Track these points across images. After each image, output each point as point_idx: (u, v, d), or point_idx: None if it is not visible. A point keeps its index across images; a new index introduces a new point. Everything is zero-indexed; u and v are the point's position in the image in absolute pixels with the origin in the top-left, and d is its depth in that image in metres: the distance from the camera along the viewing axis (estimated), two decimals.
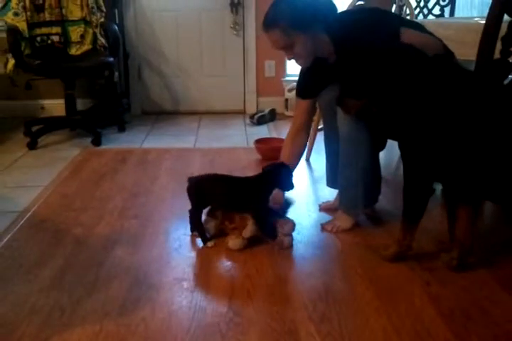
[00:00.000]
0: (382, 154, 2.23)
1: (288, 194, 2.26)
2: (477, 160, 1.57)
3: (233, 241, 1.96)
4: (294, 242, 2.00)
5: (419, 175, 1.72)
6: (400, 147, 1.76)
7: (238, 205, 2.00)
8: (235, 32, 4.18)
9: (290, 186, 2.00)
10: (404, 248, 1.83)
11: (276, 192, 2.08)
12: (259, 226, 1.96)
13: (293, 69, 4.35)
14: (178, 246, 2.00)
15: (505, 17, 1.89)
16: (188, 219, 2.05)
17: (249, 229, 1.96)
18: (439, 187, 1.99)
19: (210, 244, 1.99)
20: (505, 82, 1.97)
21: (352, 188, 2.10)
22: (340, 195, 2.19)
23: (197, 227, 2.02)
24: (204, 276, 1.78)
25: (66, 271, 1.81)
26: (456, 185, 1.74)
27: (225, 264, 1.87)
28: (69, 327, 1.49)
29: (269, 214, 2.02)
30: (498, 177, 1.56)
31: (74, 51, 3.59)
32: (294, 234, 2.03)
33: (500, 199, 1.68)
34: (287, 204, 2.35)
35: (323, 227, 2.13)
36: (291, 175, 2.02)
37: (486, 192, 1.66)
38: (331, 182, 2.36)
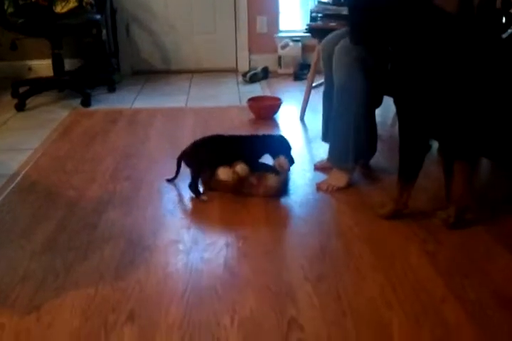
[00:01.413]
0: (378, 111, 2.17)
1: None
2: (472, 116, 1.52)
3: (223, 170, 1.97)
4: (289, 202, 1.98)
5: (414, 131, 1.68)
6: (395, 102, 1.70)
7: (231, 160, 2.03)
8: None
9: (290, 160, 2.04)
10: (401, 206, 1.81)
11: (281, 158, 2.05)
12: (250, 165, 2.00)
13: (286, 25, 4.21)
14: (172, 207, 1.96)
15: None
16: (182, 181, 2.01)
17: (241, 166, 1.97)
18: (435, 145, 1.94)
19: (203, 197, 1.98)
20: (505, 35, 1.90)
21: (343, 141, 2.05)
22: (330, 148, 2.14)
23: (193, 184, 2.01)
24: (199, 238, 1.75)
25: (58, 234, 1.77)
26: (452, 142, 1.70)
27: (221, 225, 1.84)
28: (63, 291, 1.47)
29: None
30: (494, 134, 1.51)
31: (59, 9, 3.42)
32: (290, 192, 2.02)
33: (497, 155, 1.64)
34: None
35: (318, 187, 2.10)
36: (290, 148, 2.05)
37: (481, 148, 1.62)
38: (326, 136, 2.31)
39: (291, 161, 2.05)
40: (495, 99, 1.47)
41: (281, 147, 2.05)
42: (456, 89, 1.51)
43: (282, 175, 2.03)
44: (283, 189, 2.03)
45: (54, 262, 1.60)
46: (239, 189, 1.99)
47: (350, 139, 2.03)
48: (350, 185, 2.09)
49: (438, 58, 1.53)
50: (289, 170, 2.07)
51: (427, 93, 1.57)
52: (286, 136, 2.12)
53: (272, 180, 1.98)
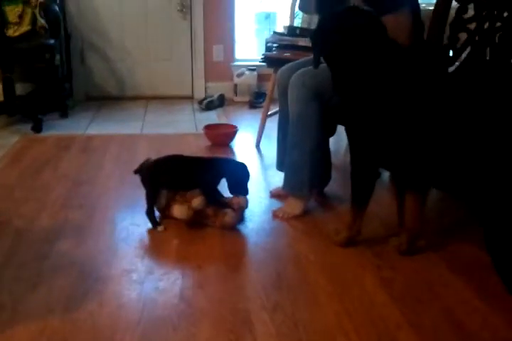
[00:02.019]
0: (332, 140, 2.22)
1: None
2: (421, 148, 1.58)
3: (179, 207, 1.94)
4: (245, 230, 1.98)
5: (364, 160, 1.73)
6: (346, 131, 1.76)
7: (189, 184, 2.00)
8: (181, 15, 4.07)
9: (245, 189, 1.99)
10: (355, 232, 1.84)
11: (240, 198, 2.05)
12: (207, 197, 1.96)
13: (241, 54, 4.29)
14: (125, 236, 1.93)
15: (454, 3, 1.90)
16: (135, 208, 1.98)
17: (199, 200, 1.94)
18: (386, 172, 2.00)
19: (159, 228, 1.95)
20: (452, 68, 1.99)
21: (298, 171, 2.08)
22: (285, 177, 2.16)
23: (149, 210, 1.97)
24: (154, 267, 1.72)
25: (6, 266, 1.70)
26: (402, 172, 1.76)
27: (175, 254, 1.82)
28: (10, 325, 1.41)
29: (216, 191, 2.03)
30: (443, 165, 1.57)
31: (11, 32, 3.38)
32: (247, 220, 2.02)
33: (446, 186, 1.70)
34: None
35: (274, 214, 2.11)
36: (248, 177, 2.00)
37: (431, 179, 1.68)
38: (280, 165, 2.33)
39: (246, 191, 2.01)
40: (443, 131, 1.53)
41: (241, 174, 2.00)
42: (403, 121, 1.57)
43: (240, 212, 2.02)
44: (239, 223, 2.01)
45: (0, 295, 1.54)
46: (195, 220, 1.98)
47: (305, 168, 2.06)
48: (305, 213, 2.11)
49: (387, 89, 1.59)
50: (246, 207, 2.06)
51: (375, 124, 1.63)
52: (245, 163, 2.08)
53: (229, 216, 1.95)
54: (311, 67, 1.97)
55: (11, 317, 1.44)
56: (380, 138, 1.64)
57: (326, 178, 2.21)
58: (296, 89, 2.00)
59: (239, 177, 1.99)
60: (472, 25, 1.89)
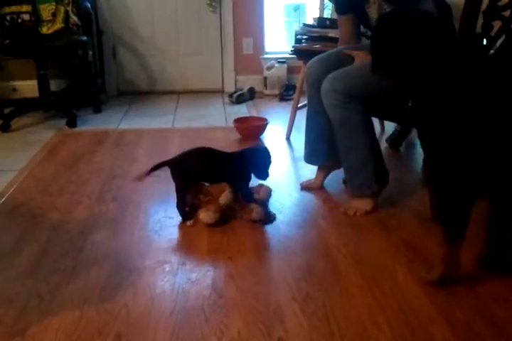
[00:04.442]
0: None
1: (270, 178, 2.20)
2: None
3: (204, 214, 1.94)
4: (276, 222, 1.99)
5: (457, 190, 1.38)
6: (429, 148, 1.45)
7: (218, 177, 2.00)
8: (211, 9, 4.08)
9: (265, 173, 1.97)
10: (452, 268, 1.52)
11: (260, 186, 2.05)
12: (238, 191, 1.97)
13: (271, 46, 4.28)
14: (158, 228, 1.96)
15: None
16: (168, 201, 2.01)
17: (226, 195, 1.95)
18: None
19: (189, 222, 1.97)
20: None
21: (359, 171, 2.03)
22: (348, 180, 2.10)
23: (180, 203, 1.98)
24: (186, 259, 1.75)
25: (43, 257, 1.76)
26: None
27: (207, 246, 1.84)
28: (48, 314, 1.45)
29: (247, 182, 2.01)
30: None
31: (45, 30, 3.45)
32: (277, 212, 2.03)
33: None
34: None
35: (344, 212, 2.05)
36: (269, 162, 1.99)
37: None
38: (309, 158, 2.31)
39: (266, 175, 1.98)
40: None
41: (263, 160, 1.98)
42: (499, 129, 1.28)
43: (264, 205, 2.02)
44: (268, 219, 2.00)
45: (38, 286, 1.59)
46: (223, 218, 1.97)
47: (366, 167, 2.01)
48: (341, 205, 2.09)
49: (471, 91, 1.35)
50: (270, 197, 2.06)
51: (465, 137, 1.31)
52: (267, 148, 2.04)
53: (256, 211, 1.94)
54: (339, 70, 1.96)
55: (48, 307, 1.49)
56: (475, 156, 1.32)
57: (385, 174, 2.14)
58: (329, 95, 1.95)
59: (261, 162, 1.97)
60: (507, 13, 1.84)
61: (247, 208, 1.97)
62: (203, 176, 2.01)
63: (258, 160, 1.97)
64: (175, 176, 1.98)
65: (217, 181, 2.02)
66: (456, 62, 1.43)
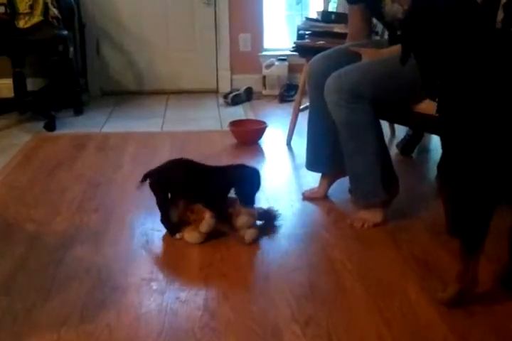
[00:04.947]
0: None
1: (270, 187, 2.21)
2: None
3: (189, 234, 1.95)
4: (276, 235, 2.00)
5: (475, 194, 1.38)
6: (446, 154, 1.46)
7: (194, 196, 1.99)
8: (205, 0, 4.12)
9: (249, 199, 1.93)
10: (469, 284, 1.51)
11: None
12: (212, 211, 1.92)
13: (271, 43, 4.31)
14: (144, 242, 1.97)
15: None
16: (156, 212, 2.02)
17: (207, 222, 1.92)
18: None
19: (178, 235, 1.98)
20: None
21: (366, 176, 2.03)
22: (353, 188, 2.11)
23: (164, 217, 1.99)
24: (175, 276, 1.76)
25: (18, 273, 1.76)
26: None
27: (198, 262, 1.84)
28: (22, 336, 1.46)
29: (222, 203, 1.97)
30: None
31: (22, 24, 3.48)
32: (277, 225, 2.06)
33: None
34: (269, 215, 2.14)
35: (352, 224, 2.07)
36: (257, 187, 1.96)
37: None
38: (312, 165, 2.33)
39: (252, 202, 1.95)
40: None
41: (250, 183, 1.94)
42: None
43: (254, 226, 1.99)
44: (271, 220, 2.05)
45: (12, 304, 1.59)
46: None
47: (373, 172, 2.02)
48: (350, 217, 2.10)
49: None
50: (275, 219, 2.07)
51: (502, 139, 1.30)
52: (257, 170, 2.01)
53: (248, 234, 1.93)
54: (345, 67, 1.97)
55: (23, 328, 1.49)
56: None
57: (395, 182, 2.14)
58: (333, 94, 1.96)
59: (247, 186, 1.93)
60: None
61: (240, 231, 1.94)
62: (180, 191, 2.00)
63: (243, 183, 1.93)
64: (154, 189, 1.99)
65: (195, 199, 1.99)
66: (494, 49, 1.39)
